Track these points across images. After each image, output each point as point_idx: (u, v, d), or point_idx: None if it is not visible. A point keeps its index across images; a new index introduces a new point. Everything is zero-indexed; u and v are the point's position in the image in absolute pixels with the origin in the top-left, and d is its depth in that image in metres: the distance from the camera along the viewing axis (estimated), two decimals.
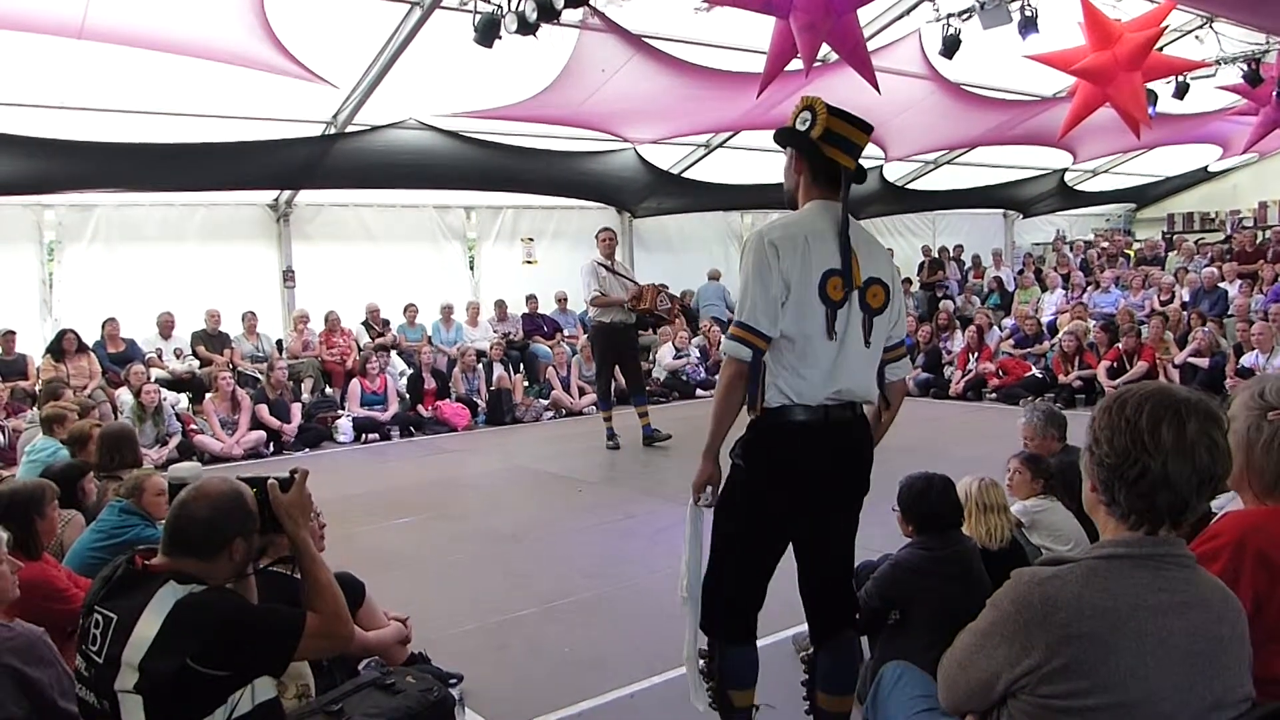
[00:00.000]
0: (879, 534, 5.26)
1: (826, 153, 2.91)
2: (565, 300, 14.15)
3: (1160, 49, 9.15)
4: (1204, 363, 10.90)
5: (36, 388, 9.71)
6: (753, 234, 2.93)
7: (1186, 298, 13.40)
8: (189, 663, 2.19)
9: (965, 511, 3.75)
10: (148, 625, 2.23)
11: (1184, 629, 1.61)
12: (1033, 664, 1.62)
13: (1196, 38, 11.60)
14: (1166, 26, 8.80)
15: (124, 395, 9.86)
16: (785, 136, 3.02)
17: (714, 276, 15.77)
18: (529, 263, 14.62)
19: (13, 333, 10.30)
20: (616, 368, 9.59)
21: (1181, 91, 12.06)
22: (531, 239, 14.71)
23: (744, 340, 2.83)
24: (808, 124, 2.92)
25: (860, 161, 2.99)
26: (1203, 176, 20.01)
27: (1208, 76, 11.85)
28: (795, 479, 2.92)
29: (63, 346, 10.16)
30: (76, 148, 9.41)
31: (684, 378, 13.06)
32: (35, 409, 8.86)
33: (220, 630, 2.27)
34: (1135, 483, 1.65)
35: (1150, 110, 9.83)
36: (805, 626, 4.23)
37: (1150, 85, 9.84)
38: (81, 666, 2.34)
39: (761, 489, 2.95)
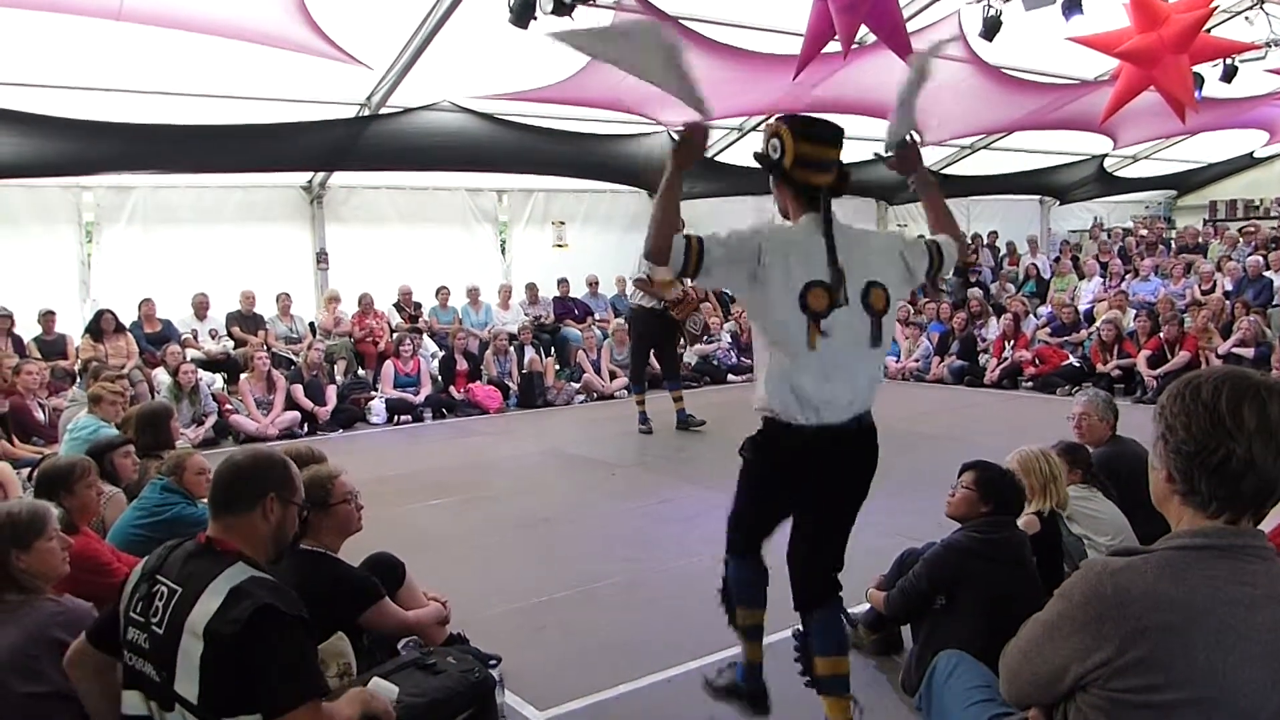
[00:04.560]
0: (919, 522, 5.24)
1: (799, 178, 2.95)
2: (596, 284, 14.13)
3: (1208, 30, 8.94)
4: (1249, 353, 10.70)
5: (76, 367, 9.82)
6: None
7: (1229, 286, 13.18)
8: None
9: (1028, 487, 3.76)
10: (213, 596, 2.25)
11: (1265, 624, 1.55)
12: (1105, 657, 1.57)
13: (1246, 19, 11.35)
14: (1215, 7, 8.60)
15: (160, 375, 9.97)
16: (761, 163, 3.06)
17: None
18: (560, 246, 14.60)
19: (52, 313, 10.42)
20: (652, 352, 9.55)
21: (1229, 74, 11.80)
22: (563, 222, 14.69)
23: (689, 252, 2.80)
24: (778, 153, 2.95)
25: (843, 166, 3.02)
26: (1247, 163, 19.61)
27: (1257, 59, 11.57)
28: (795, 481, 3.03)
29: (101, 327, 10.28)
30: (114, 129, 9.49)
31: (714, 363, 13.01)
32: (76, 388, 8.97)
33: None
34: (1218, 469, 1.58)
35: (1197, 94, 9.63)
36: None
37: (1197, 68, 9.63)
38: (137, 638, 2.35)
39: (762, 474, 3.12)
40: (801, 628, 3.21)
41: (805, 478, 2.99)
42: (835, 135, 2.98)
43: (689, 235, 2.82)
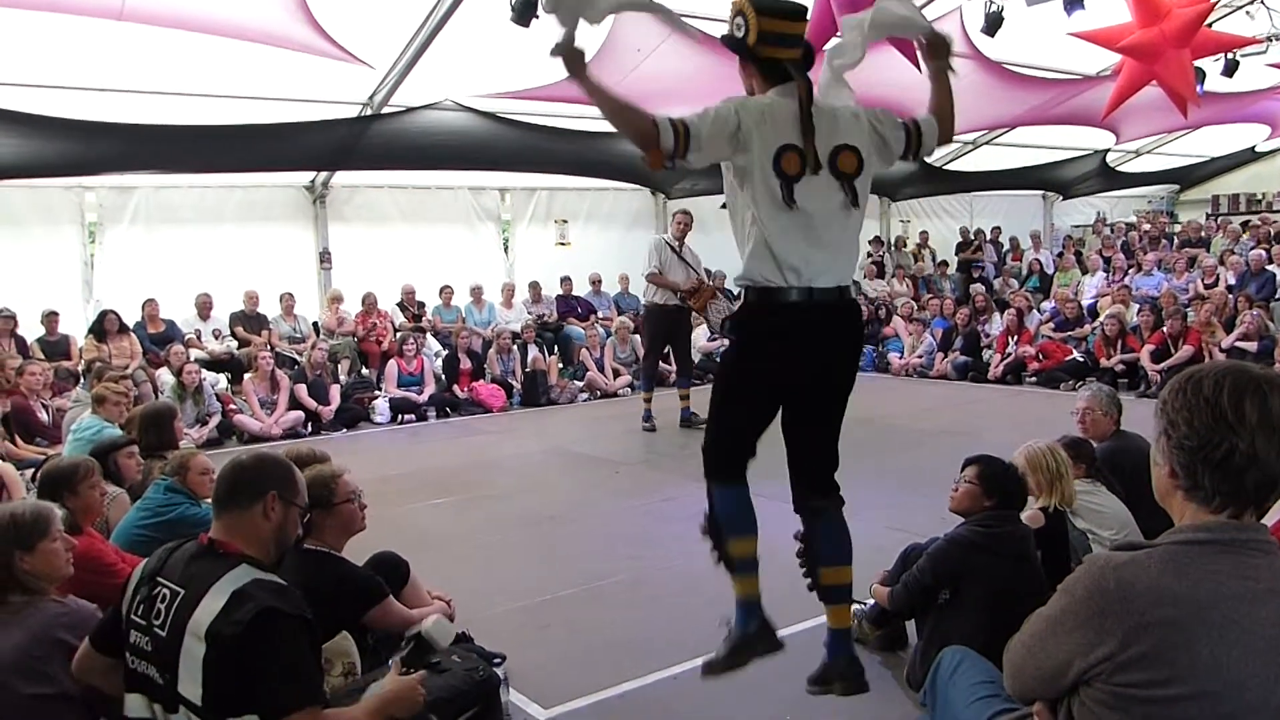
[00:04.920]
0: (923, 517, 5.24)
1: (766, 54, 2.96)
2: (599, 282, 14.13)
3: (1210, 25, 8.93)
4: (1252, 346, 10.69)
5: (79, 367, 9.84)
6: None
7: (1232, 280, 13.15)
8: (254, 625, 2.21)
9: (1035, 483, 3.76)
10: (216, 598, 2.25)
11: (1269, 618, 1.55)
12: (1108, 651, 1.57)
13: (1247, 13, 11.32)
14: (1217, 2, 8.59)
15: (164, 375, 9.98)
16: (727, 43, 3.07)
17: None
18: (562, 244, 14.60)
19: (56, 314, 10.44)
20: (670, 351, 9.54)
21: (1231, 69, 11.76)
22: (565, 221, 14.68)
23: (675, 132, 2.81)
24: (742, 30, 2.96)
25: (808, 44, 3.06)
26: (1249, 157, 19.57)
27: (1259, 53, 11.55)
28: (777, 350, 2.95)
29: (104, 327, 10.30)
30: (117, 130, 9.48)
31: (718, 359, 12.98)
32: (79, 388, 8.98)
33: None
34: (1221, 463, 1.58)
35: (1198, 89, 9.61)
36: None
37: (1198, 63, 9.61)
38: (141, 642, 2.35)
39: (746, 359, 3.05)
40: (804, 531, 3.18)
41: (792, 352, 2.94)
42: (799, 10, 3.00)
43: (671, 118, 2.83)
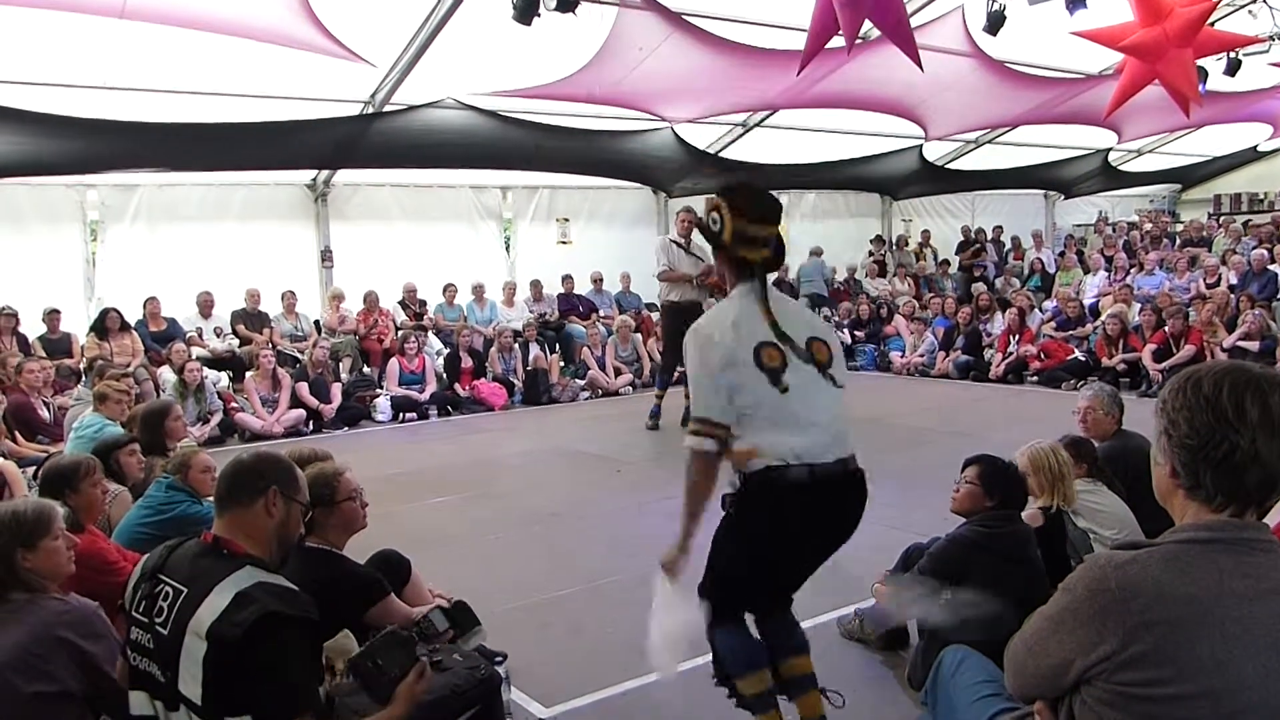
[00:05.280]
0: (925, 517, 5.25)
1: (737, 252, 3.05)
2: (601, 280, 14.12)
3: (1212, 24, 8.92)
4: (1254, 346, 10.68)
5: (81, 365, 9.84)
6: (689, 331, 3.04)
7: (1233, 280, 13.14)
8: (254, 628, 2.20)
9: (1036, 483, 3.75)
10: (219, 598, 2.25)
11: (1270, 616, 1.55)
12: (1108, 651, 1.57)
13: (1250, 13, 11.31)
14: (1219, 1, 8.58)
15: (166, 373, 9.98)
16: (703, 233, 3.17)
17: (816, 253, 15.91)
18: (564, 243, 14.60)
19: (57, 311, 10.44)
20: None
21: (1233, 68, 11.77)
22: (567, 219, 14.68)
23: (705, 434, 2.90)
24: (718, 226, 3.06)
25: (780, 235, 3.14)
26: (1251, 156, 19.56)
27: (1261, 53, 11.55)
28: (784, 539, 2.95)
29: (106, 325, 10.31)
30: (118, 128, 9.49)
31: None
32: (81, 386, 8.99)
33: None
34: (1222, 462, 1.59)
35: (1201, 88, 9.60)
36: (849, 609, 4.25)
37: (1200, 62, 9.60)
38: (141, 638, 2.36)
39: (747, 539, 2.99)
40: (761, 631, 3.19)
41: (796, 533, 2.94)
42: (773, 212, 3.10)
43: (700, 432, 2.91)
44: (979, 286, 14.70)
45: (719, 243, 3.08)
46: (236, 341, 11.34)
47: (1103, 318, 12.14)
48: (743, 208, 3.05)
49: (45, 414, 8.58)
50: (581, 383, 11.99)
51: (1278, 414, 1.57)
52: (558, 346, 12.73)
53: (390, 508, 6.47)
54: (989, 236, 17.97)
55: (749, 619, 3.19)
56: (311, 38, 8.51)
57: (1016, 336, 12.31)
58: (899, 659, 3.99)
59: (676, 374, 9.56)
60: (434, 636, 2.70)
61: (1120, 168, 18.80)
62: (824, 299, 15.06)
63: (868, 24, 7.43)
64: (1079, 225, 20.15)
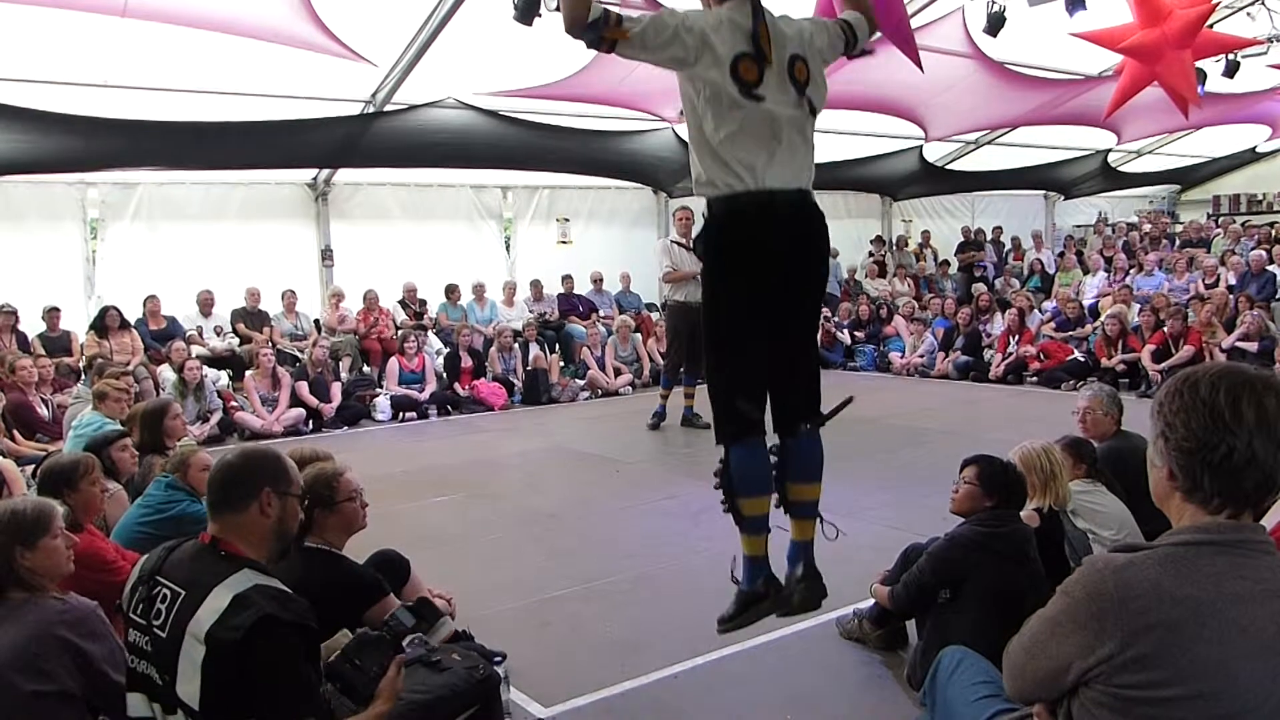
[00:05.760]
0: (924, 517, 5.25)
1: None
2: (601, 280, 14.13)
3: (1211, 26, 8.92)
4: (1252, 347, 10.69)
5: (80, 364, 9.85)
6: None
7: (1232, 281, 13.15)
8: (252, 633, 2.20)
9: (1029, 484, 3.75)
10: (217, 601, 2.25)
11: (1267, 618, 1.56)
12: (1107, 653, 1.58)
13: (1248, 14, 11.33)
14: (1218, 3, 8.59)
15: (166, 372, 9.98)
16: None
17: (832, 254, 15.84)
18: (564, 243, 14.60)
19: (57, 309, 10.45)
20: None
21: (1232, 70, 11.76)
22: (567, 219, 14.69)
23: (607, 15, 2.81)
24: None
25: None
26: (1250, 158, 19.59)
27: (1259, 54, 11.54)
28: (748, 258, 2.98)
29: (106, 323, 10.31)
30: (119, 126, 9.49)
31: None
32: (81, 384, 8.99)
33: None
34: (1220, 464, 1.59)
35: (1200, 89, 9.60)
36: (848, 610, 4.26)
37: (1199, 63, 9.60)
38: (139, 640, 2.36)
39: (722, 279, 3.06)
40: (778, 447, 3.20)
41: (760, 254, 2.97)
42: None
43: (611, 9, 2.87)
44: (979, 287, 14.72)
45: None
46: (236, 340, 11.34)
47: (1102, 318, 12.14)
48: None
49: (44, 412, 8.59)
50: (581, 383, 11.99)
51: (1274, 415, 1.58)
52: (557, 346, 12.74)
53: (390, 507, 6.47)
54: (988, 237, 17.98)
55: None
56: (313, 37, 8.51)
57: (1016, 337, 12.32)
58: (898, 659, 3.99)
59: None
60: (403, 633, 2.72)
61: (1119, 169, 18.81)
62: (835, 299, 15.12)
63: None
64: (1078, 226, 20.18)
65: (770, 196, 2.93)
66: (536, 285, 13.67)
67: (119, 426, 5.81)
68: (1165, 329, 11.05)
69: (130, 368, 9.34)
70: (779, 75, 2.98)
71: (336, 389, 10.65)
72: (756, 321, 3.04)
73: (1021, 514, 3.72)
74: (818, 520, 3.20)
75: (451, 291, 12.88)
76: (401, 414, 10.82)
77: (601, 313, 13.64)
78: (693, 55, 2.91)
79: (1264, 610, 1.56)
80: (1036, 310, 13.37)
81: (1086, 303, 13.62)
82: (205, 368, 10.04)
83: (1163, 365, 10.60)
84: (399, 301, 12.62)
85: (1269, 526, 2.10)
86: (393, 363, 11.17)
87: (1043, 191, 19.75)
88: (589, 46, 2.87)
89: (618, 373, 12.15)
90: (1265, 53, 11.61)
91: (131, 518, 4.28)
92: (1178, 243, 17.12)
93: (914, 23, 8.59)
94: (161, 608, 2.31)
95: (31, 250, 10.94)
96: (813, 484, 3.18)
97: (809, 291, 3.14)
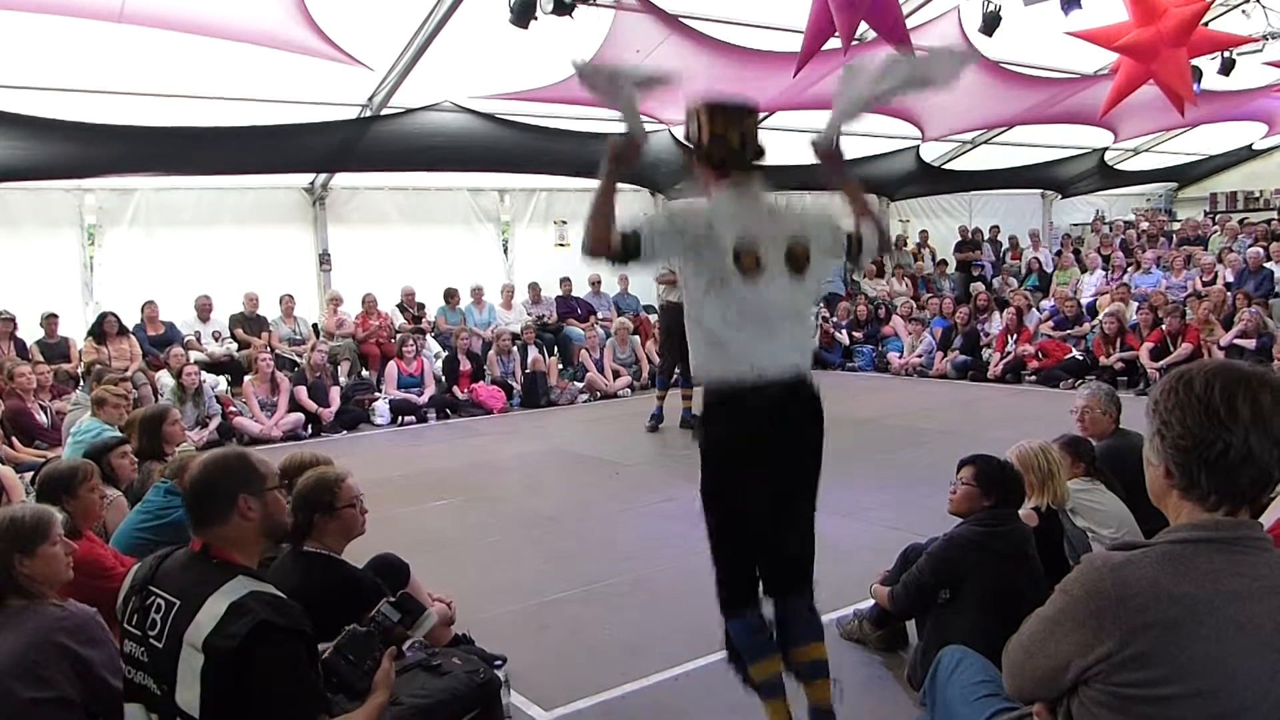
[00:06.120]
0: (923, 517, 5.25)
1: (719, 154, 3.08)
2: (599, 283, 14.12)
3: (1206, 24, 8.94)
4: (1250, 344, 10.70)
5: (79, 370, 9.84)
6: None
7: (1230, 278, 13.16)
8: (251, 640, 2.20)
9: (1026, 483, 3.75)
10: (213, 609, 2.24)
11: (1265, 615, 1.56)
12: (1106, 652, 1.58)
13: (1243, 12, 11.34)
14: (1213, 1, 8.60)
15: (164, 377, 9.98)
16: (683, 145, 3.26)
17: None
18: (562, 245, 14.60)
19: (55, 316, 10.43)
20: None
21: (1227, 67, 11.78)
22: (565, 221, 14.68)
23: (624, 238, 2.91)
24: (697, 132, 3.10)
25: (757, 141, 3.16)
26: (1247, 155, 19.60)
27: (1254, 52, 11.57)
28: (744, 445, 3.01)
29: (104, 329, 10.29)
30: (116, 132, 9.48)
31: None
32: (79, 391, 8.98)
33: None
34: (1217, 461, 1.59)
35: (1195, 87, 9.63)
36: (848, 610, 4.26)
37: (1195, 61, 9.62)
38: (136, 652, 2.35)
39: (719, 464, 3.08)
40: (775, 613, 3.19)
41: (756, 440, 2.99)
42: (745, 111, 3.16)
43: (624, 232, 2.93)
44: (977, 286, 14.73)
45: (700, 148, 3.11)
46: (235, 345, 11.34)
47: (1100, 317, 12.14)
48: (718, 107, 3.11)
49: (43, 419, 8.58)
50: (580, 385, 11.99)
51: (1269, 411, 1.58)
52: (556, 349, 12.73)
53: (389, 511, 6.47)
54: (986, 236, 17.98)
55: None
56: (309, 41, 8.51)
57: (1014, 336, 12.33)
58: (898, 659, 4.00)
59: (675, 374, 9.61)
60: (390, 628, 2.73)
61: (1116, 167, 18.82)
62: (841, 297, 15.17)
63: (864, 25, 7.45)
64: (1076, 224, 20.17)
65: (766, 385, 2.95)
66: (534, 288, 13.67)
67: (118, 433, 5.80)
68: (1163, 327, 11.06)
69: (129, 374, 9.33)
70: (778, 260, 3.01)
71: (335, 393, 10.64)
72: (752, 501, 3.06)
73: (1020, 513, 3.72)
74: (832, 682, 3.16)
75: (451, 296, 12.87)
76: (400, 418, 10.81)
77: (600, 315, 13.64)
78: (691, 251, 2.98)
79: (1262, 607, 1.56)
80: (1034, 309, 13.37)
81: (1084, 301, 13.62)
82: (204, 373, 10.03)
83: (1161, 363, 10.61)
84: (397, 305, 12.62)
85: (1267, 524, 2.11)
86: (391, 366, 11.17)
87: (1040, 190, 19.75)
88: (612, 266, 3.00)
89: (616, 375, 12.16)
90: (1260, 50, 11.64)
91: (131, 524, 4.28)
92: (1175, 240, 17.12)
93: (909, 22, 8.63)
94: (156, 618, 2.31)
95: (29, 257, 10.93)
96: (818, 644, 3.16)
97: (803, 472, 3.13)
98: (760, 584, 3.17)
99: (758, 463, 3.00)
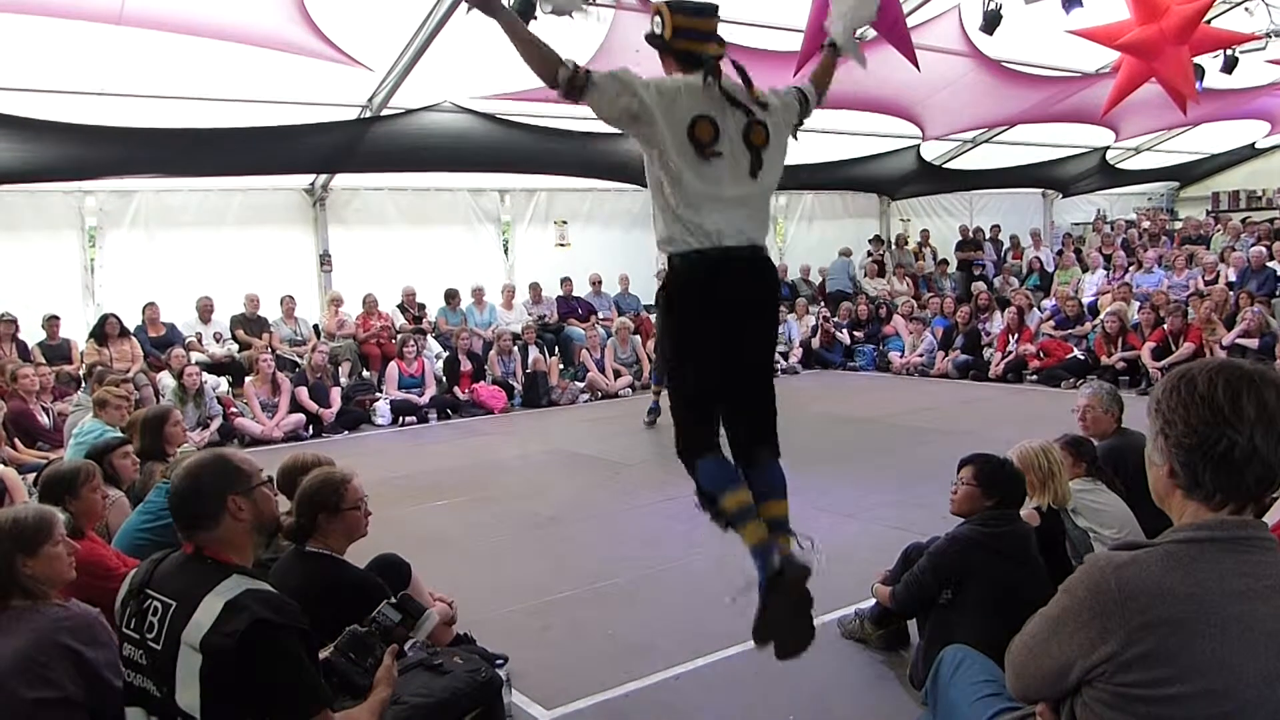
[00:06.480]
0: (924, 516, 5.25)
1: (681, 46, 3.20)
2: (599, 283, 14.12)
3: (1208, 21, 8.92)
4: (1253, 343, 10.69)
5: (80, 372, 9.84)
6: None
7: (1232, 277, 13.15)
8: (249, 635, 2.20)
9: (1027, 483, 3.74)
10: (209, 609, 2.24)
11: (1270, 615, 1.55)
12: (1109, 652, 1.57)
13: (1246, 10, 11.34)
14: None
15: (165, 379, 9.99)
16: (649, 40, 3.30)
17: (844, 254, 16.22)
18: (562, 245, 14.60)
19: (56, 318, 10.44)
20: None
21: (1230, 65, 11.74)
22: (565, 221, 14.69)
23: (575, 72, 3.00)
24: (660, 27, 3.21)
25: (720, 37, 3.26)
26: (1249, 154, 19.59)
27: (1257, 50, 11.54)
28: (703, 308, 3.12)
29: (105, 331, 10.30)
30: (116, 134, 9.49)
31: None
32: (81, 392, 8.99)
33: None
34: (1222, 460, 1.58)
35: (1198, 85, 9.60)
36: (849, 610, 4.26)
37: (1197, 59, 9.59)
38: (135, 655, 2.35)
39: (679, 325, 3.22)
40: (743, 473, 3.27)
41: (715, 303, 3.09)
42: (710, 7, 3.26)
43: (579, 64, 3.03)
44: (978, 286, 14.73)
45: (663, 43, 3.21)
46: (236, 346, 11.34)
47: (1101, 316, 12.12)
48: (681, 4, 3.21)
49: (45, 420, 8.58)
50: (581, 385, 11.99)
51: (1274, 409, 1.58)
52: (557, 349, 12.74)
53: (390, 511, 6.47)
54: (987, 235, 17.97)
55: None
56: (308, 43, 8.51)
57: (1015, 335, 12.32)
58: (900, 659, 3.99)
59: None
60: (391, 628, 2.74)
61: (1118, 166, 18.83)
62: (847, 295, 15.16)
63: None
64: (1077, 224, 20.16)
65: (725, 253, 3.08)
66: (535, 288, 13.68)
67: (119, 434, 5.81)
68: (1165, 326, 11.05)
69: (130, 375, 9.33)
70: (735, 137, 3.13)
71: (336, 394, 10.65)
72: (710, 360, 3.18)
73: (1022, 513, 3.71)
74: (791, 537, 3.23)
75: (451, 296, 12.86)
76: (401, 418, 10.81)
77: (600, 315, 13.64)
78: (648, 112, 3.03)
79: (1268, 607, 1.56)
80: (1036, 308, 13.37)
81: (1086, 300, 13.61)
82: (205, 374, 10.04)
83: (1163, 363, 10.60)
84: (398, 306, 12.62)
85: (1271, 523, 2.10)
86: (392, 367, 11.17)
87: (1041, 189, 19.75)
88: (561, 97, 3.05)
89: (617, 375, 12.16)
90: (1263, 48, 11.61)
91: (133, 524, 4.29)
92: (1177, 240, 17.11)
93: (910, 21, 8.61)
94: (154, 620, 2.31)
95: (30, 259, 10.94)
96: (780, 500, 3.25)
97: (760, 334, 3.30)
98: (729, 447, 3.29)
99: (714, 321, 3.12)
